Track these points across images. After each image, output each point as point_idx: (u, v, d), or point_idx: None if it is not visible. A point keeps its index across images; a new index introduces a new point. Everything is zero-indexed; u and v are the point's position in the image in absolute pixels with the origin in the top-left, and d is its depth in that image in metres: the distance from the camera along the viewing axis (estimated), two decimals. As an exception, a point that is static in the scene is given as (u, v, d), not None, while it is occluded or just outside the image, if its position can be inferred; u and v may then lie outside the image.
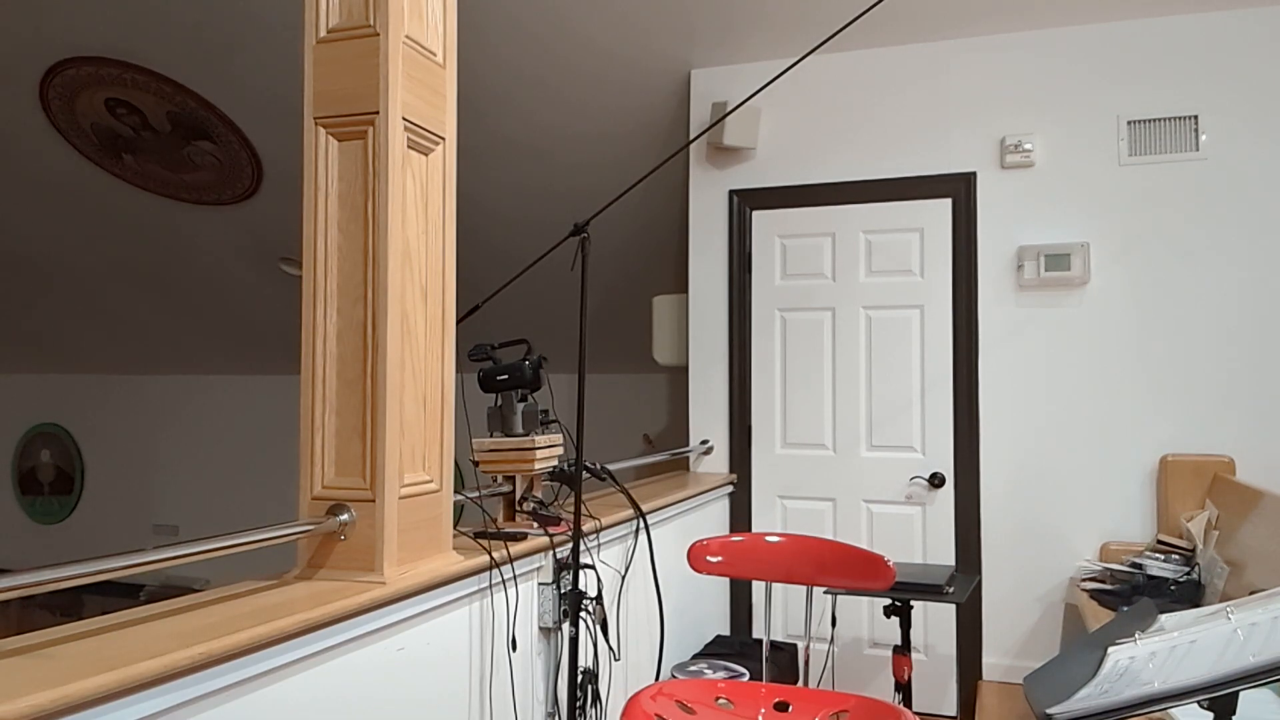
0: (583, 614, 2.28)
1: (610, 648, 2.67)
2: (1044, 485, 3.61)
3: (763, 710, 2.23)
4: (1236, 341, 3.42)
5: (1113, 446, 3.54)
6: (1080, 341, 3.59)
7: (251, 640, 1.39)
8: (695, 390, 4.11)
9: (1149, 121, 3.54)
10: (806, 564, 2.49)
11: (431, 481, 1.93)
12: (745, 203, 4.06)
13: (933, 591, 2.93)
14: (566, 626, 2.28)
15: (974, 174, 3.74)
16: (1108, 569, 3.34)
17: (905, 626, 2.98)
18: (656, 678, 3.00)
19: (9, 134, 5.21)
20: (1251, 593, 2.02)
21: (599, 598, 2.46)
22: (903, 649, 2.95)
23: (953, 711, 3.69)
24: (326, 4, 1.86)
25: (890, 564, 2.35)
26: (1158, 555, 3.25)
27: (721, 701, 2.25)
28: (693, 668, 3.11)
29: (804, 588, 2.98)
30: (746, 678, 3.04)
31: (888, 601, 3.01)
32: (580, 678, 2.30)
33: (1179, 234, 3.50)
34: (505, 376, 2.30)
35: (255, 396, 6.87)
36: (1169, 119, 3.52)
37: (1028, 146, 3.64)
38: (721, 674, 3.05)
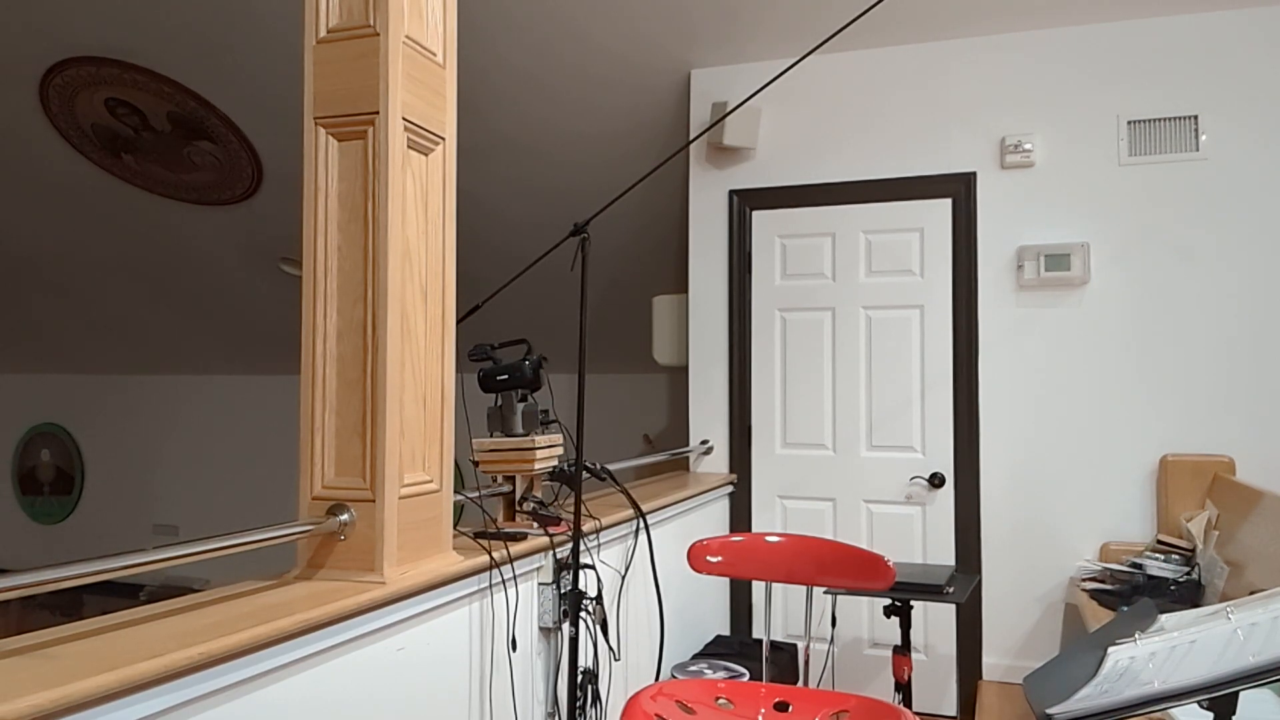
0: (583, 614, 2.28)
1: (610, 648, 2.67)
2: (1044, 485, 3.61)
3: (763, 710, 2.23)
4: (1236, 341, 3.42)
5: (1112, 446, 3.53)
6: (1080, 342, 3.59)
7: (251, 640, 1.39)
8: (695, 390, 4.11)
9: (1149, 121, 3.54)
10: (806, 564, 2.49)
11: (431, 481, 1.93)
12: (745, 203, 4.06)
13: (933, 591, 2.93)
14: (566, 626, 2.28)
15: (974, 174, 3.74)
16: (1108, 569, 3.34)
17: (905, 626, 2.98)
18: (656, 678, 3.00)
19: (9, 134, 5.20)
20: (1251, 593, 2.02)
21: (599, 598, 2.46)
22: (903, 649, 2.95)
23: (953, 711, 3.69)
24: (326, 4, 1.86)
25: (890, 564, 2.35)
26: (1158, 555, 3.25)
27: (721, 701, 2.25)
28: (693, 668, 3.11)
29: (804, 588, 2.98)
30: (746, 678, 3.04)
31: (888, 601, 3.01)
32: (580, 678, 2.30)
33: (1179, 234, 3.50)
34: (505, 376, 2.30)
35: (255, 396, 6.87)
36: (1169, 119, 3.52)
37: (1028, 146, 3.64)
38: (721, 674, 3.05)
